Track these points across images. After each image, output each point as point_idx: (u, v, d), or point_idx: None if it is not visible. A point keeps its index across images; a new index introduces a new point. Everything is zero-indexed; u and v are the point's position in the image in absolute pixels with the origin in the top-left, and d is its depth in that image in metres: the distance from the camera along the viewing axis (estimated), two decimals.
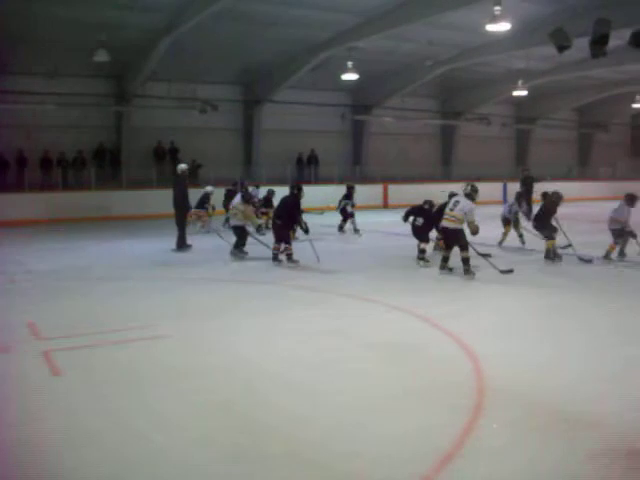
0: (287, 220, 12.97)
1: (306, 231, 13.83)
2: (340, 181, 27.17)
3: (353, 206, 18.65)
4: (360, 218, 19.21)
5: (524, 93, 31.18)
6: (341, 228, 18.74)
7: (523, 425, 4.85)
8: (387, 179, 31.08)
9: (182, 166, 15.15)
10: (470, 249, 11.34)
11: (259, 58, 26.88)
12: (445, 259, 11.86)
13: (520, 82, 29.81)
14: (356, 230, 18.40)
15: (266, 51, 25.81)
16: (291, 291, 10.27)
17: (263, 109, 30.00)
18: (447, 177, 34.79)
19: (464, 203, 11.37)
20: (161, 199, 18.03)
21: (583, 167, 41.58)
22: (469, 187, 11.57)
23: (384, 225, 20.86)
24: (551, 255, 13.05)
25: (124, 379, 5.96)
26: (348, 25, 22.82)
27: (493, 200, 32.18)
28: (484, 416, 4.98)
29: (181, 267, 12.92)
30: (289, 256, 12.82)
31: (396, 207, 27.97)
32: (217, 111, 27.54)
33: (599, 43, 17.91)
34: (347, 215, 18.59)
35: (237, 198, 14.17)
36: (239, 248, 13.74)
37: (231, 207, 14.36)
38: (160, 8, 20.46)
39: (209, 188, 19.29)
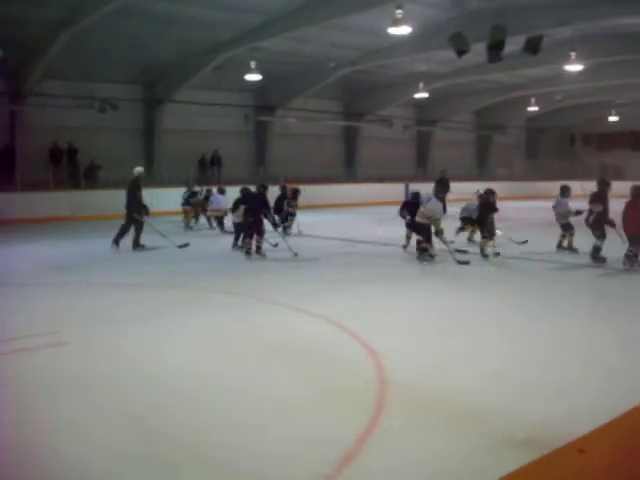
0: (257, 216, 13.97)
1: (275, 225, 14.60)
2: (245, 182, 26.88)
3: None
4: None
5: (425, 96, 31.82)
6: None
7: (425, 421, 4.93)
8: (291, 180, 30.96)
9: (138, 169, 15.66)
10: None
11: (160, 57, 26.36)
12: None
13: (421, 85, 30.35)
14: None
15: (168, 50, 25.33)
16: (195, 294, 10.03)
17: (165, 109, 29.43)
18: (350, 178, 35.13)
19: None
20: (58, 202, 17.41)
21: (481, 168, 42.72)
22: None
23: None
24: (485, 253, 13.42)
25: (29, 388, 5.71)
26: (250, 25, 22.62)
27: (395, 200, 32.72)
28: (386, 413, 5.02)
29: (87, 271, 12.46)
30: (258, 249, 13.85)
31: (301, 208, 27.95)
32: (117, 110, 26.75)
33: (496, 48, 18.43)
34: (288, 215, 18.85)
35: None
36: (237, 243, 15.07)
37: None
38: (57, 3, 19.76)
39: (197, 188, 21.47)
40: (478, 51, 19.87)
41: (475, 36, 18.88)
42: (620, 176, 39.58)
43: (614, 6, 20.00)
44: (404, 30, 18.00)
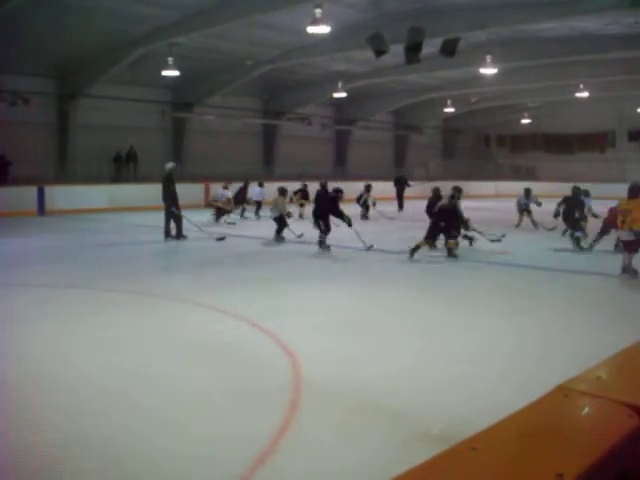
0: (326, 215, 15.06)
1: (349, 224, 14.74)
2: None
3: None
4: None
5: (344, 95, 32.00)
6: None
7: (339, 418, 4.94)
8: (209, 178, 30.62)
9: (170, 164, 17.09)
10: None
11: (75, 50, 25.57)
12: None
13: (340, 84, 30.52)
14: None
15: (83, 43, 24.61)
16: (102, 294, 9.76)
17: (79, 104, 28.57)
18: (269, 176, 35.01)
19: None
20: None
21: (399, 167, 43.22)
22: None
23: (206, 225, 20.48)
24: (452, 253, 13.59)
25: None
26: (168, 20, 22.23)
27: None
28: (300, 412, 5.03)
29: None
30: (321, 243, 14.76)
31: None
32: (29, 105, 25.91)
33: (413, 50, 18.69)
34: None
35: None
36: (279, 234, 16.46)
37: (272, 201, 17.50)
38: None
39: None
40: (396, 52, 20.09)
41: (393, 37, 19.08)
42: (532, 177, 40.88)
43: (528, 11, 20.53)
44: (323, 29, 18.08)
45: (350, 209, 17.52)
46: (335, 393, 5.48)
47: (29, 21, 21.13)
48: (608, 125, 44.06)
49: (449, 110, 39.98)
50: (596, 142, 44.94)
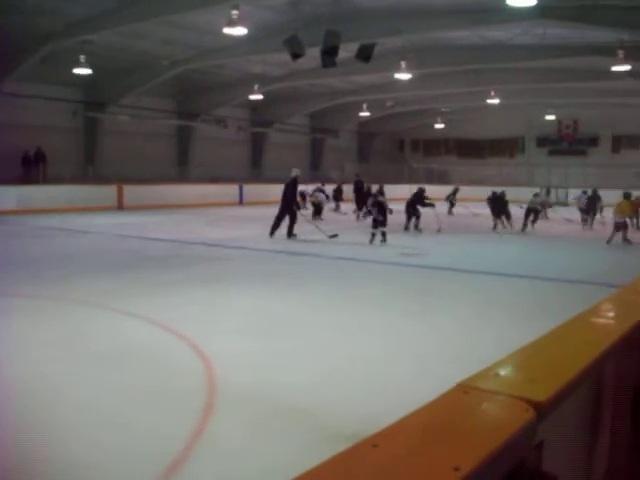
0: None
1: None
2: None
3: None
4: (94, 220, 18.45)
5: (260, 97, 31.97)
6: None
7: (254, 421, 4.93)
8: (122, 179, 30.09)
9: (295, 170, 18.55)
10: None
11: None
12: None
13: (256, 86, 30.47)
14: None
15: None
16: (10, 299, 9.40)
17: None
18: (184, 178, 34.68)
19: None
20: None
21: (315, 170, 43.42)
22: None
23: (119, 227, 20.17)
24: None
25: None
26: (80, 17, 21.66)
27: (229, 202, 32.75)
28: (215, 417, 4.98)
29: None
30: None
31: (133, 208, 27.33)
32: None
33: (329, 53, 18.79)
34: None
35: None
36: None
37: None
38: None
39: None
40: (313, 55, 20.18)
41: (310, 41, 19.16)
42: (445, 181, 41.80)
43: (441, 19, 21.03)
44: (240, 31, 18.03)
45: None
46: (250, 396, 5.45)
47: None
48: (518, 131, 45.52)
49: (365, 114, 40.49)
50: (506, 147, 46.39)
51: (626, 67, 22.35)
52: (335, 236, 17.66)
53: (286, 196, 17.90)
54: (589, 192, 23.84)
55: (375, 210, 17.10)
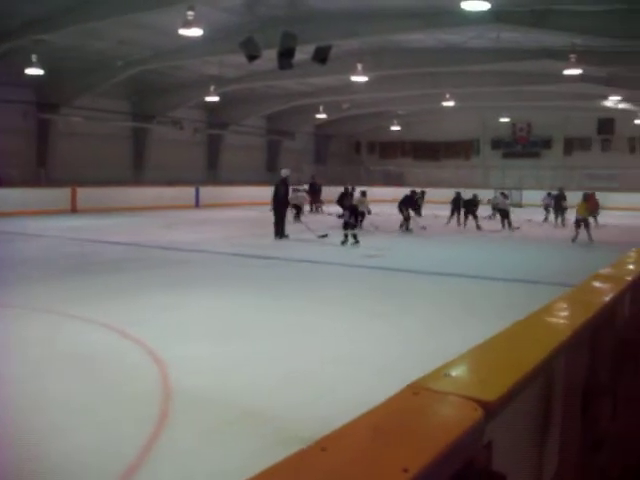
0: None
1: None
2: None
3: None
4: (48, 223, 18.18)
5: (216, 99, 31.83)
6: None
7: (211, 425, 4.92)
8: (76, 182, 29.60)
9: (285, 171, 19.27)
10: None
11: None
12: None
13: (212, 88, 30.30)
14: None
15: None
16: None
17: None
18: (140, 180, 34.34)
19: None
20: None
21: (271, 172, 43.30)
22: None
23: (74, 230, 19.85)
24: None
25: None
26: (32, 16, 21.25)
27: (186, 204, 32.53)
28: (171, 422, 4.94)
29: None
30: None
31: (87, 211, 26.97)
32: None
33: (286, 55, 18.81)
34: None
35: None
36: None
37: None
38: None
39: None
40: (269, 57, 20.15)
41: (266, 42, 19.13)
42: (401, 183, 42.10)
43: (397, 22, 21.15)
44: (195, 32, 17.91)
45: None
46: (206, 400, 5.42)
47: None
48: (473, 133, 46.05)
49: (321, 116, 40.58)
50: (462, 149, 46.88)
51: (578, 71, 22.74)
52: (325, 236, 17.87)
53: (277, 197, 18.23)
54: (554, 192, 25.35)
55: (347, 213, 17.53)
